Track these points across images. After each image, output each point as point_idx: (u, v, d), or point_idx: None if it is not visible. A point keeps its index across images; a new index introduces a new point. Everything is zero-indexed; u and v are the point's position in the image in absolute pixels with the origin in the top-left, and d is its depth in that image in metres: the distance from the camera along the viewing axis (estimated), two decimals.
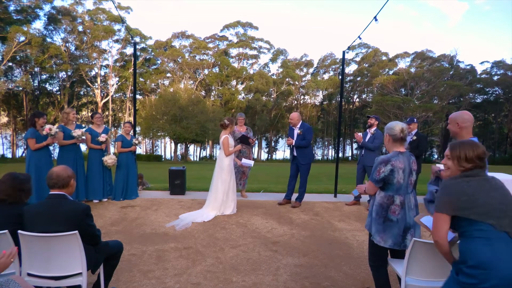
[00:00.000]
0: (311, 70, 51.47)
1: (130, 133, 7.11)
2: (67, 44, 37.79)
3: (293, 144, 6.49)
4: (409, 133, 6.42)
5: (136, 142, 7.05)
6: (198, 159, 47.15)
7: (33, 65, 34.84)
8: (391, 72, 43.90)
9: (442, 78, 38.44)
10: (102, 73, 40.83)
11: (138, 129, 37.24)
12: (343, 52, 8.16)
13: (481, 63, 63.86)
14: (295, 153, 6.58)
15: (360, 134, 6.85)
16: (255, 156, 46.79)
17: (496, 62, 42.28)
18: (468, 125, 3.00)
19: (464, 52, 72.43)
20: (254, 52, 47.75)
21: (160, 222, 5.46)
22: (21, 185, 2.72)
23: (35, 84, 37.88)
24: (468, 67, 42.96)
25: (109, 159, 6.54)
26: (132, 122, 7.49)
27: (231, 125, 6.12)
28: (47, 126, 5.73)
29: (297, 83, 49.54)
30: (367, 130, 6.87)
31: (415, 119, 6.59)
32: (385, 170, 2.82)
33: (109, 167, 6.67)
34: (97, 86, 40.03)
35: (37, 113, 5.93)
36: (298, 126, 6.51)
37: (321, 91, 50.26)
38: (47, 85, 40.13)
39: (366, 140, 6.67)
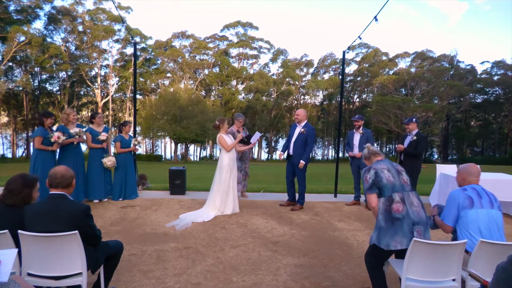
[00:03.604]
0: (311, 70, 51.51)
1: (130, 133, 7.10)
2: (67, 44, 37.83)
3: (290, 153, 6.33)
4: (409, 133, 6.43)
5: (136, 142, 7.02)
6: (198, 159, 47.15)
7: (33, 65, 34.85)
8: (391, 72, 43.92)
9: (442, 78, 38.45)
10: (102, 73, 40.86)
11: (138, 129, 37.26)
12: (343, 52, 8.16)
13: (481, 63, 63.94)
14: (291, 152, 6.39)
15: (351, 152, 6.84)
16: (255, 156, 46.81)
17: (496, 62, 42.34)
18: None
19: (464, 52, 72.78)
20: (254, 52, 47.78)
21: (160, 222, 5.46)
22: (15, 189, 2.70)
23: (35, 84, 37.90)
24: (468, 67, 43.01)
25: (108, 161, 6.55)
26: (132, 122, 7.48)
27: (222, 124, 6.12)
28: (56, 134, 5.78)
29: (297, 83, 49.53)
30: (354, 131, 6.90)
31: (413, 119, 6.55)
32: (370, 175, 2.99)
33: (108, 168, 6.68)
34: (97, 86, 40.04)
35: (46, 113, 6.06)
36: (303, 124, 6.33)
37: (321, 91, 50.28)
38: (47, 85, 40.22)
39: (358, 141, 6.73)
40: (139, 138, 7.20)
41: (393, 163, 3.12)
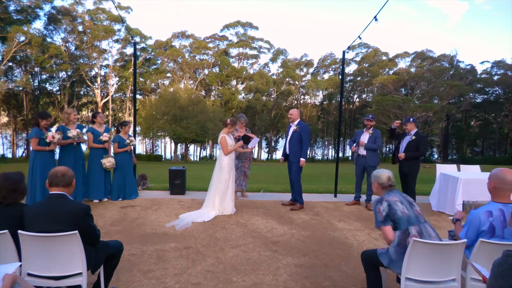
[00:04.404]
0: (311, 70, 51.53)
1: (129, 133, 7.08)
2: (67, 44, 37.79)
3: (287, 152, 6.43)
4: (408, 133, 6.42)
5: (128, 141, 6.91)
6: (198, 159, 47.15)
7: (33, 65, 34.82)
8: (391, 72, 43.89)
9: (442, 78, 38.44)
10: (102, 73, 40.84)
11: (138, 129, 37.27)
12: (343, 52, 8.15)
13: (481, 63, 63.90)
14: (287, 151, 6.52)
15: (354, 146, 6.81)
16: (255, 156, 46.80)
17: (496, 62, 42.30)
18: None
19: (464, 52, 72.86)
20: (254, 52, 47.79)
21: (160, 222, 5.46)
22: (14, 185, 2.68)
23: (35, 84, 37.89)
24: (468, 67, 42.98)
25: (108, 162, 6.54)
26: (132, 122, 7.46)
27: (231, 125, 6.12)
28: (50, 134, 5.75)
29: (297, 83, 49.54)
30: (364, 130, 6.84)
31: (411, 119, 6.51)
32: (384, 208, 2.85)
33: (107, 169, 6.68)
34: (97, 86, 40.03)
35: (42, 114, 5.97)
36: (296, 123, 6.46)
37: (321, 91, 50.28)
38: (47, 85, 40.17)
39: (366, 140, 6.66)
40: (132, 137, 7.08)
41: (403, 193, 3.00)
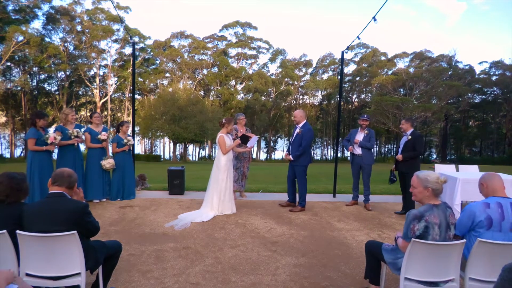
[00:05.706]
0: (310, 70, 51.50)
1: (128, 133, 7.07)
2: (65, 44, 37.72)
3: (290, 158, 6.37)
4: (404, 133, 6.46)
5: (125, 141, 6.87)
6: (197, 159, 47.12)
7: (32, 64, 34.78)
8: (390, 72, 43.96)
9: (441, 78, 38.51)
10: (101, 73, 40.80)
11: (137, 129, 37.22)
12: (342, 52, 8.17)
13: (480, 63, 63.92)
14: (290, 152, 6.47)
15: (350, 146, 6.82)
16: (254, 156, 46.80)
17: (495, 62, 42.43)
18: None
19: (463, 52, 72.65)
20: (253, 52, 47.76)
21: (159, 222, 5.46)
22: (19, 184, 2.70)
23: (33, 84, 37.81)
24: (466, 67, 43.06)
25: (108, 163, 6.53)
26: (131, 122, 7.46)
27: (228, 124, 6.13)
28: (51, 135, 5.73)
29: (296, 83, 49.53)
30: (359, 130, 6.87)
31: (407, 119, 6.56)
32: (419, 228, 2.61)
33: (107, 170, 6.66)
34: (95, 86, 39.97)
35: (39, 114, 5.91)
36: (300, 125, 6.34)
37: (320, 91, 50.28)
38: (45, 85, 40.09)
39: (362, 139, 6.69)
40: (130, 137, 7.04)
41: (447, 211, 2.69)
